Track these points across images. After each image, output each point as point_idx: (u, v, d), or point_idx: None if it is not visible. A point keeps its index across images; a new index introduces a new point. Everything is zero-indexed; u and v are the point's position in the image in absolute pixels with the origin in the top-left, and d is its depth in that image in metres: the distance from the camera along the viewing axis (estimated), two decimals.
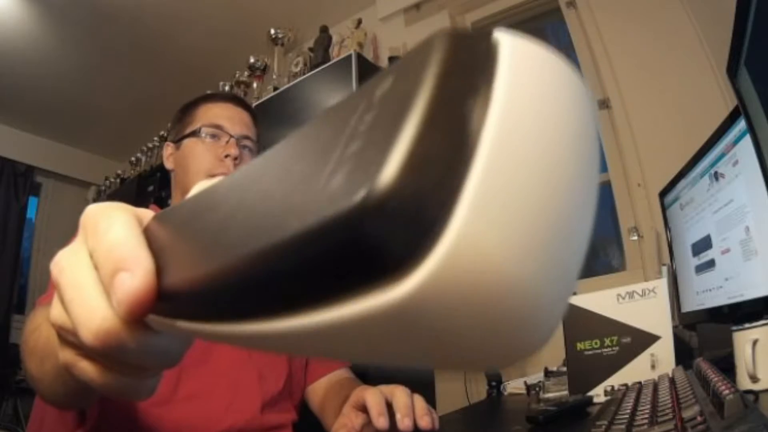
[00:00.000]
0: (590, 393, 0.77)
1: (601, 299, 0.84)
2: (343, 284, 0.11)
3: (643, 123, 1.62)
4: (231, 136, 0.87)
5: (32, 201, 3.35)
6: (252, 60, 2.43)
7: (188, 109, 0.92)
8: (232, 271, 0.13)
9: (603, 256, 1.88)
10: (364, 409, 0.66)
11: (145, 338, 0.18)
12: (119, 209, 0.19)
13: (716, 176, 0.84)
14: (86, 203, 3.30)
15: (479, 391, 1.53)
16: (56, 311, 0.20)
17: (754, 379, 0.58)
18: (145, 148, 3.05)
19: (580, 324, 0.84)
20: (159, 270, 0.17)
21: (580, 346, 0.83)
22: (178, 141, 0.90)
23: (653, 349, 0.77)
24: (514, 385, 1.17)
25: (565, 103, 0.13)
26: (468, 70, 0.12)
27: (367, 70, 1.92)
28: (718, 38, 1.15)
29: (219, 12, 2.37)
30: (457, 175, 0.11)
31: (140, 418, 0.67)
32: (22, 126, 3.17)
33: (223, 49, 2.57)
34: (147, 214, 0.20)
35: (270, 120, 1.98)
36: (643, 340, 0.78)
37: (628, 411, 0.50)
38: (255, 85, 2.43)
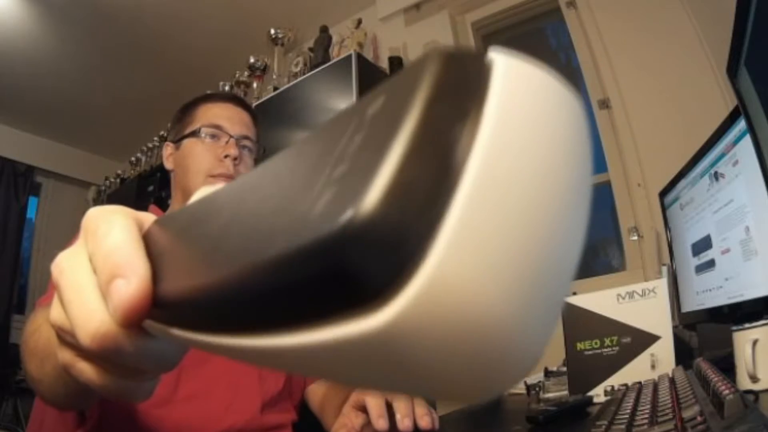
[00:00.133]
0: (590, 393, 0.77)
1: (601, 299, 0.84)
2: (321, 308, 0.11)
3: (643, 123, 1.62)
4: (230, 137, 0.87)
5: (32, 201, 3.35)
6: (252, 60, 2.43)
7: (188, 109, 0.92)
8: (220, 285, 0.13)
9: (603, 256, 1.88)
10: (364, 409, 0.66)
11: (142, 342, 0.18)
12: (120, 213, 0.19)
13: (716, 176, 0.84)
14: (86, 203, 3.28)
15: None
16: (56, 312, 0.20)
17: (754, 379, 0.58)
18: (145, 148, 3.05)
19: (580, 324, 0.84)
20: (156, 276, 0.17)
21: (580, 346, 0.83)
22: (177, 141, 0.90)
23: (653, 349, 0.77)
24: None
25: (560, 131, 0.13)
26: (459, 92, 0.12)
27: (367, 70, 1.92)
28: (718, 38, 1.15)
29: (219, 12, 2.37)
30: (439, 207, 0.10)
31: (140, 419, 0.67)
32: (22, 126, 3.17)
33: (223, 49, 2.57)
34: (148, 218, 0.20)
35: (270, 120, 1.98)
36: (643, 340, 0.78)
37: (628, 411, 0.50)
38: (255, 85, 2.43)
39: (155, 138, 2.96)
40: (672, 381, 0.61)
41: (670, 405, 0.48)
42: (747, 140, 0.72)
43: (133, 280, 0.16)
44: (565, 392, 0.86)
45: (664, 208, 1.13)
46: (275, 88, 2.21)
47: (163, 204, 2.13)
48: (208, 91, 1.16)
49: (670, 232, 1.11)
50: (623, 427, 0.44)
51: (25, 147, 3.21)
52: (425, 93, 0.12)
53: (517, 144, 0.12)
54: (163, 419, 0.68)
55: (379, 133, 0.11)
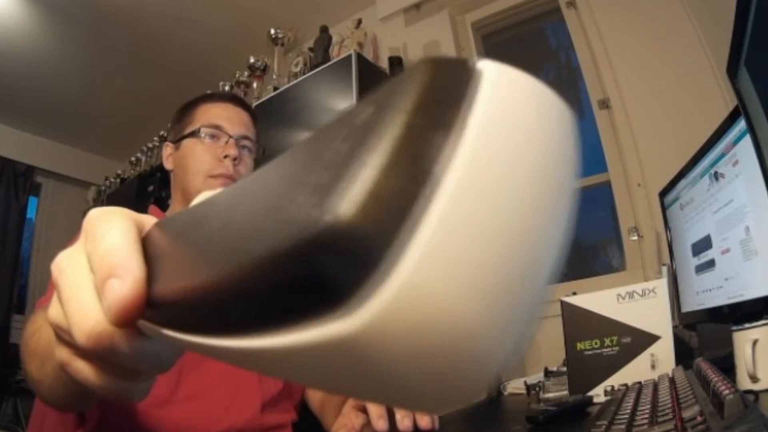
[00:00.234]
0: (590, 393, 0.77)
1: (601, 299, 0.84)
2: (295, 312, 0.12)
3: (643, 123, 1.62)
4: (230, 137, 0.87)
5: (32, 201, 3.35)
6: (252, 60, 2.43)
7: (187, 109, 0.92)
8: (203, 287, 0.14)
9: (603, 256, 1.88)
10: (364, 409, 0.66)
11: (137, 343, 0.18)
12: (119, 215, 0.20)
13: (716, 176, 0.84)
14: (86, 203, 3.28)
15: None
16: (54, 310, 0.21)
17: (754, 379, 0.58)
18: (145, 148, 3.05)
19: (580, 324, 0.84)
20: (151, 277, 0.17)
21: (580, 346, 0.83)
22: (177, 141, 0.90)
23: (653, 349, 0.77)
24: (514, 385, 1.17)
25: (547, 144, 0.13)
26: (443, 103, 0.12)
27: (367, 70, 1.92)
28: (718, 38, 1.15)
29: (219, 12, 2.37)
30: (413, 217, 0.11)
31: (140, 419, 0.67)
32: (22, 126, 3.17)
33: (223, 49, 2.57)
34: (149, 220, 0.21)
35: (270, 120, 1.98)
36: (643, 340, 0.78)
37: (628, 411, 0.50)
38: (255, 85, 2.43)
39: (155, 138, 2.96)
40: (672, 381, 0.61)
41: (670, 405, 0.48)
42: (747, 140, 0.72)
43: (127, 280, 0.17)
44: (565, 392, 0.86)
45: (664, 208, 1.13)
46: (275, 88, 2.21)
47: (163, 204, 2.13)
48: (208, 91, 1.16)
49: (670, 232, 1.11)
50: (623, 427, 0.44)
51: (25, 147, 3.20)
52: (409, 104, 0.12)
53: (500, 156, 0.12)
54: (163, 419, 0.68)
55: (362, 143, 0.12)
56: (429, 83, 0.12)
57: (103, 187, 3.41)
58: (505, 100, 0.13)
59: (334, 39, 2.21)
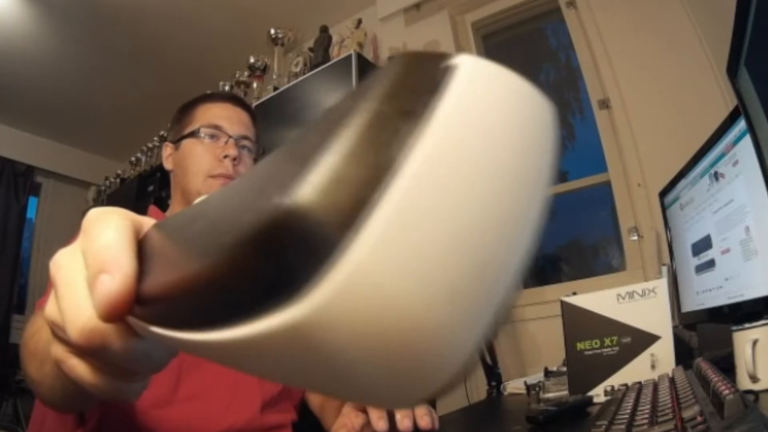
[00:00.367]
0: (590, 393, 0.77)
1: (601, 299, 0.84)
2: (257, 301, 0.12)
3: (643, 123, 1.62)
4: (230, 137, 0.87)
5: (32, 201, 3.35)
6: (252, 60, 2.43)
7: (187, 109, 0.92)
8: (182, 282, 0.14)
9: (603, 256, 1.88)
10: (364, 409, 0.66)
11: (129, 341, 0.19)
12: (116, 215, 0.20)
13: (716, 176, 0.84)
14: (86, 203, 3.28)
15: (479, 391, 1.53)
16: (51, 307, 0.21)
17: (754, 379, 0.58)
18: (145, 148, 3.05)
19: (580, 324, 0.84)
20: (143, 276, 0.17)
21: (580, 346, 0.83)
22: (177, 141, 0.90)
23: (653, 349, 0.77)
24: (514, 385, 1.17)
25: (519, 140, 0.13)
26: (413, 93, 0.12)
27: (367, 70, 1.92)
28: (718, 38, 1.15)
29: (219, 12, 2.37)
30: (369, 205, 0.11)
31: (140, 419, 0.67)
32: (22, 126, 3.17)
33: (223, 49, 2.57)
34: (148, 222, 0.21)
35: (270, 120, 1.98)
36: (643, 340, 0.78)
37: (628, 411, 0.50)
38: (255, 85, 2.43)
39: (155, 138, 2.96)
40: (672, 381, 0.61)
41: (670, 405, 0.48)
42: (747, 140, 0.72)
43: (117, 276, 0.17)
44: (565, 392, 0.86)
45: (664, 208, 1.13)
46: (275, 88, 2.21)
47: (163, 204, 2.13)
48: (208, 91, 1.16)
49: (670, 232, 1.11)
50: (623, 427, 0.44)
51: (25, 147, 3.20)
52: (377, 93, 0.12)
53: (467, 147, 0.12)
54: (163, 419, 0.68)
55: (331, 132, 0.12)
56: (400, 73, 0.12)
57: (103, 187, 3.41)
58: (478, 92, 0.12)
59: (334, 39, 2.21)
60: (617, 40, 1.71)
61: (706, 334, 1.03)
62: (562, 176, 2.00)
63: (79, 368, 0.21)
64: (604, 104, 1.73)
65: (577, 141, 2.01)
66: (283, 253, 0.11)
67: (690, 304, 0.98)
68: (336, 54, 2.14)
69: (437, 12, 2.13)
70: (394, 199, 0.11)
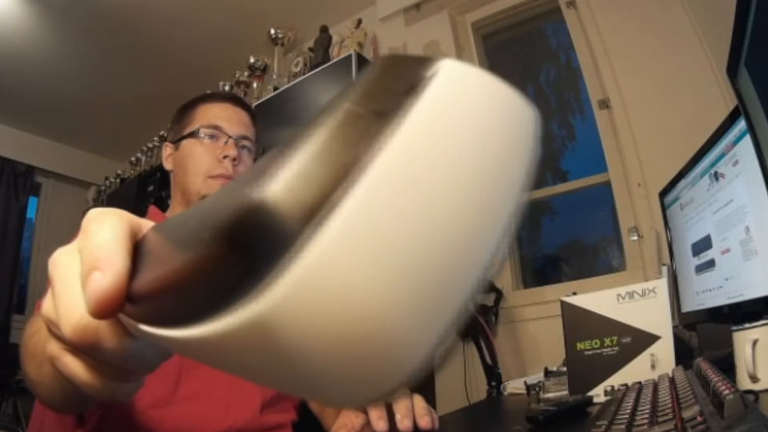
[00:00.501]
0: (590, 393, 0.77)
1: (601, 299, 0.84)
2: (226, 295, 0.12)
3: (643, 123, 1.62)
4: (229, 137, 0.87)
5: (32, 201, 3.35)
6: (252, 60, 2.43)
7: (187, 109, 0.92)
8: (164, 278, 0.14)
9: (603, 256, 1.88)
10: (364, 409, 0.66)
11: (122, 340, 0.19)
12: (114, 215, 0.20)
13: (716, 176, 0.83)
14: (86, 203, 3.27)
15: (479, 391, 1.53)
16: (47, 304, 0.21)
17: (754, 379, 0.58)
18: (145, 148, 3.05)
19: (580, 324, 0.84)
20: (136, 275, 0.18)
21: (580, 346, 0.83)
22: (176, 142, 0.90)
23: (653, 349, 0.77)
24: (514, 385, 1.17)
25: (495, 144, 0.13)
26: (388, 94, 0.12)
27: None
28: (718, 38, 1.15)
29: (219, 12, 2.37)
30: (332, 202, 0.11)
31: (140, 419, 0.67)
32: (22, 126, 3.17)
33: (223, 49, 2.57)
34: (147, 224, 0.21)
35: (270, 120, 1.98)
36: (643, 340, 0.78)
37: (628, 411, 0.50)
38: (255, 85, 2.43)
39: (155, 138, 2.96)
40: (672, 381, 0.61)
41: (670, 405, 0.48)
42: (747, 140, 0.72)
43: (108, 273, 0.17)
44: (565, 392, 0.86)
45: (664, 208, 1.13)
46: (275, 88, 2.21)
47: (163, 204, 2.13)
48: (208, 91, 1.16)
49: (670, 232, 1.11)
50: (623, 427, 0.44)
51: (25, 147, 3.20)
52: (353, 94, 0.12)
53: (437, 149, 0.12)
54: (163, 419, 0.68)
55: (308, 132, 0.12)
56: (377, 75, 0.12)
57: (103, 187, 3.40)
58: (455, 96, 0.12)
59: (334, 39, 2.21)
60: (617, 40, 1.71)
61: (706, 334, 1.03)
62: (562, 176, 2.01)
63: (73, 366, 0.21)
64: (604, 104, 1.73)
65: (577, 141, 2.01)
66: (250, 248, 0.11)
67: (690, 304, 0.98)
68: (336, 54, 2.14)
69: (437, 12, 2.13)
70: (356, 198, 0.11)
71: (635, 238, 1.58)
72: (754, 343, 0.58)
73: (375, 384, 0.12)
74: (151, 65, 2.71)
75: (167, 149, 0.92)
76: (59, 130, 3.25)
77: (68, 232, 0.21)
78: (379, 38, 2.24)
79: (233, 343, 0.13)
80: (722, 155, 0.82)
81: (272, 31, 2.38)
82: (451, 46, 2.06)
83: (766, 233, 0.69)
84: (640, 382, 0.69)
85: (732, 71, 0.76)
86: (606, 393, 0.74)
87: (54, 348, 0.22)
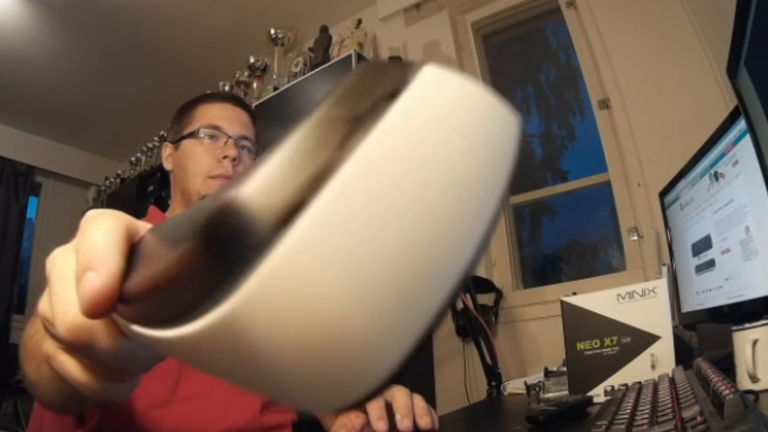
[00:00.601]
0: (590, 393, 0.77)
1: (601, 299, 0.84)
2: (203, 295, 0.12)
3: (643, 123, 1.62)
4: (229, 137, 0.87)
5: (32, 201, 3.35)
6: (252, 60, 2.43)
7: (187, 109, 0.92)
8: (151, 278, 0.14)
9: (603, 256, 1.88)
10: (363, 409, 0.66)
11: (117, 340, 0.19)
12: (111, 216, 0.20)
13: (716, 176, 0.83)
14: (86, 203, 3.27)
15: (479, 391, 1.53)
16: (43, 303, 0.21)
17: (754, 379, 0.58)
18: (145, 148, 3.05)
19: (580, 324, 0.84)
20: (129, 276, 0.18)
21: (580, 346, 0.83)
22: (176, 142, 0.90)
23: (653, 349, 0.77)
24: (514, 385, 1.17)
25: (471, 151, 0.13)
26: (364, 98, 0.12)
27: None
28: (718, 38, 1.15)
29: (219, 12, 2.37)
30: (299, 206, 0.11)
31: (140, 419, 0.67)
32: (22, 126, 3.17)
33: (223, 49, 2.57)
34: (145, 226, 0.21)
35: (270, 120, 1.98)
36: (643, 340, 0.78)
37: (628, 411, 0.50)
38: (255, 85, 2.43)
39: (155, 138, 2.96)
40: (672, 381, 0.61)
41: (670, 405, 0.48)
42: (747, 140, 0.72)
43: (101, 273, 0.17)
44: (565, 392, 0.86)
45: (664, 208, 1.13)
46: (275, 88, 2.21)
47: (163, 204, 2.13)
48: (208, 91, 1.16)
49: (670, 232, 1.11)
50: (623, 427, 0.44)
51: (25, 147, 3.20)
52: (330, 98, 0.12)
53: (408, 155, 0.12)
54: (163, 419, 0.68)
55: (287, 134, 0.12)
56: (356, 80, 0.13)
57: (103, 187, 3.40)
58: (433, 102, 0.12)
59: (334, 39, 2.21)
60: (617, 40, 1.71)
61: (706, 334, 1.03)
62: (562, 176, 2.01)
63: (68, 365, 0.21)
64: (604, 104, 1.73)
65: (577, 141, 2.01)
66: (222, 248, 0.11)
67: (690, 304, 0.98)
68: (336, 54, 2.14)
69: (437, 12, 2.13)
70: (323, 201, 0.11)
71: (635, 238, 1.58)
72: (754, 343, 0.58)
73: (343, 391, 0.12)
74: (151, 65, 2.71)
75: (167, 149, 0.92)
76: (59, 130, 3.26)
77: (68, 232, 0.21)
78: (379, 38, 2.24)
79: (209, 344, 0.13)
80: (722, 155, 0.82)
81: (272, 31, 2.38)
82: (451, 46, 2.06)
83: (766, 233, 0.69)
84: (640, 382, 0.69)
85: (732, 71, 0.76)
86: (606, 393, 0.74)
87: (50, 347, 0.22)
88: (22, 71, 2.66)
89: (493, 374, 1.27)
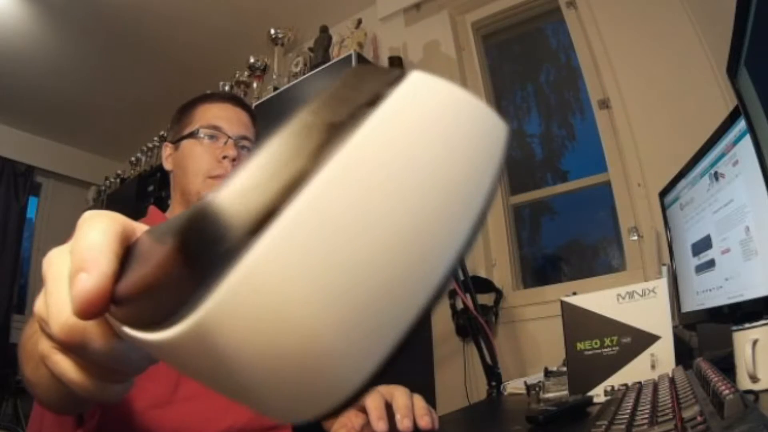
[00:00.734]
0: (590, 393, 0.77)
1: (601, 299, 0.84)
2: (178, 302, 0.12)
3: (643, 123, 1.62)
4: (229, 137, 0.87)
5: (32, 201, 3.35)
6: (252, 60, 2.42)
7: (186, 109, 0.92)
8: (141, 280, 0.14)
9: (603, 256, 1.88)
10: (363, 409, 0.66)
11: (110, 341, 0.19)
12: (107, 217, 0.21)
13: (716, 176, 0.83)
14: (86, 203, 3.27)
15: (479, 391, 1.53)
16: (39, 302, 0.21)
17: (754, 379, 0.58)
18: (145, 148, 3.05)
19: (580, 324, 0.84)
20: (122, 277, 0.18)
21: (580, 346, 0.83)
22: (176, 142, 0.90)
23: (653, 349, 0.77)
24: (514, 385, 1.17)
25: (453, 159, 0.12)
26: (344, 104, 0.12)
27: None
28: (718, 38, 1.15)
29: (219, 12, 2.37)
30: (272, 213, 0.11)
31: (140, 419, 0.66)
32: (22, 126, 3.17)
33: (223, 49, 2.57)
34: (142, 228, 0.21)
35: (270, 120, 1.97)
36: (643, 340, 0.78)
37: (628, 411, 0.50)
38: (255, 85, 2.43)
39: (155, 138, 2.96)
40: (672, 381, 0.60)
41: (670, 405, 0.48)
42: (747, 140, 0.72)
43: (93, 274, 0.18)
44: (565, 392, 0.86)
45: (664, 208, 1.13)
46: (275, 88, 2.21)
47: (163, 204, 2.13)
48: (208, 91, 1.16)
49: (670, 232, 1.11)
50: (623, 427, 0.44)
51: (25, 147, 3.20)
52: (311, 104, 0.12)
53: (384, 163, 0.11)
54: (163, 419, 0.68)
55: (264, 143, 0.13)
56: (338, 87, 0.13)
57: (103, 187, 3.40)
58: (414, 108, 0.12)
59: (334, 39, 2.21)
60: (617, 40, 1.71)
61: (706, 334, 1.03)
62: (562, 176, 2.01)
63: (63, 364, 0.22)
64: (604, 104, 1.73)
65: (577, 141, 2.01)
66: (196, 253, 0.11)
67: (690, 304, 0.98)
68: (336, 54, 2.14)
69: (437, 12, 2.13)
70: (295, 209, 0.11)
71: (635, 238, 1.58)
72: (754, 343, 0.58)
73: (315, 401, 0.12)
74: (151, 65, 2.71)
75: (167, 149, 0.92)
76: (59, 130, 3.26)
77: (68, 232, 0.21)
78: (379, 38, 2.24)
79: (187, 349, 0.13)
80: (722, 155, 0.82)
81: (272, 31, 2.38)
82: (451, 46, 2.06)
83: (766, 233, 0.69)
84: (640, 382, 0.69)
85: (732, 71, 0.76)
86: (606, 393, 0.74)
87: (45, 346, 0.22)
88: (22, 71, 2.66)
89: (493, 374, 1.27)
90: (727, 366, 0.63)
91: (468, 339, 1.62)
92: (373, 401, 0.64)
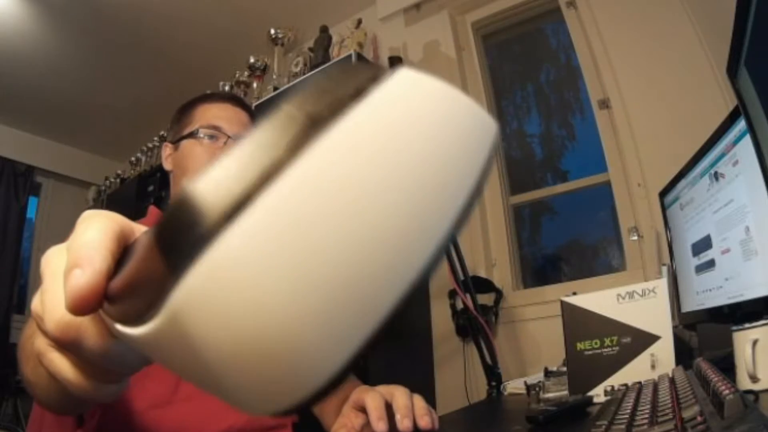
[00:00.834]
0: (590, 393, 0.77)
1: (601, 299, 0.84)
2: (159, 295, 0.12)
3: (643, 123, 1.62)
4: (229, 137, 0.87)
5: (32, 201, 3.35)
6: (252, 60, 2.43)
7: (186, 109, 0.92)
8: (129, 277, 0.15)
9: (603, 256, 1.88)
10: (363, 409, 0.66)
11: (104, 339, 0.19)
12: (105, 217, 0.21)
13: (716, 176, 0.83)
14: (86, 203, 3.27)
15: (479, 391, 1.53)
16: (36, 300, 0.22)
17: (754, 379, 0.58)
18: (145, 148, 3.05)
19: (580, 324, 0.84)
20: (116, 275, 0.18)
21: (580, 346, 0.83)
22: (176, 142, 0.90)
23: (653, 349, 0.77)
24: (514, 385, 1.17)
25: (435, 157, 0.12)
26: (325, 102, 0.12)
27: None
28: (718, 38, 1.15)
29: (219, 12, 2.37)
30: (245, 204, 0.11)
31: (140, 419, 0.67)
32: (22, 126, 3.17)
33: (223, 49, 2.57)
34: (140, 228, 0.21)
35: None
36: (643, 340, 0.78)
37: (628, 411, 0.50)
38: (255, 85, 2.43)
39: (155, 138, 2.96)
40: (672, 381, 0.60)
41: (670, 405, 0.48)
42: (747, 140, 0.72)
43: (87, 270, 0.18)
44: (565, 392, 0.86)
45: (664, 208, 1.13)
46: (275, 88, 2.21)
47: (163, 204, 2.13)
48: (208, 91, 1.16)
49: (670, 232, 1.11)
50: (623, 427, 0.44)
51: (25, 147, 3.20)
52: (295, 98, 0.12)
53: (361, 158, 0.11)
54: (163, 419, 0.68)
55: (246, 135, 0.12)
56: (323, 80, 0.12)
57: (103, 187, 3.40)
58: (398, 103, 0.12)
59: (334, 39, 2.21)
60: (617, 40, 1.71)
61: (706, 334, 1.03)
62: (562, 176, 2.01)
63: (58, 362, 0.22)
64: (604, 104, 1.73)
65: (577, 141, 2.01)
66: (171, 242, 0.11)
67: (690, 304, 0.98)
68: (336, 54, 2.14)
69: (437, 12, 2.13)
70: (269, 199, 0.11)
71: (635, 238, 1.58)
72: (754, 343, 0.58)
73: (283, 393, 0.12)
74: (151, 65, 2.71)
75: (167, 149, 0.92)
76: (59, 130, 3.26)
77: (68, 232, 0.21)
78: (379, 38, 2.24)
79: (164, 343, 0.13)
80: (722, 155, 0.82)
81: (272, 31, 2.38)
82: (451, 46, 2.06)
83: (766, 233, 0.69)
84: (640, 382, 0.69)
85: (732, 71, 0.76)
86: (606, 393, 0.74)
87: (41, 344, 0.22)
88: (22, 71, 2.66)
89: (493, 374, 1.27)
90: (727, 366, 0.63)
91: (468, 339, 1.62)
92: (373, 401, 0.64)
